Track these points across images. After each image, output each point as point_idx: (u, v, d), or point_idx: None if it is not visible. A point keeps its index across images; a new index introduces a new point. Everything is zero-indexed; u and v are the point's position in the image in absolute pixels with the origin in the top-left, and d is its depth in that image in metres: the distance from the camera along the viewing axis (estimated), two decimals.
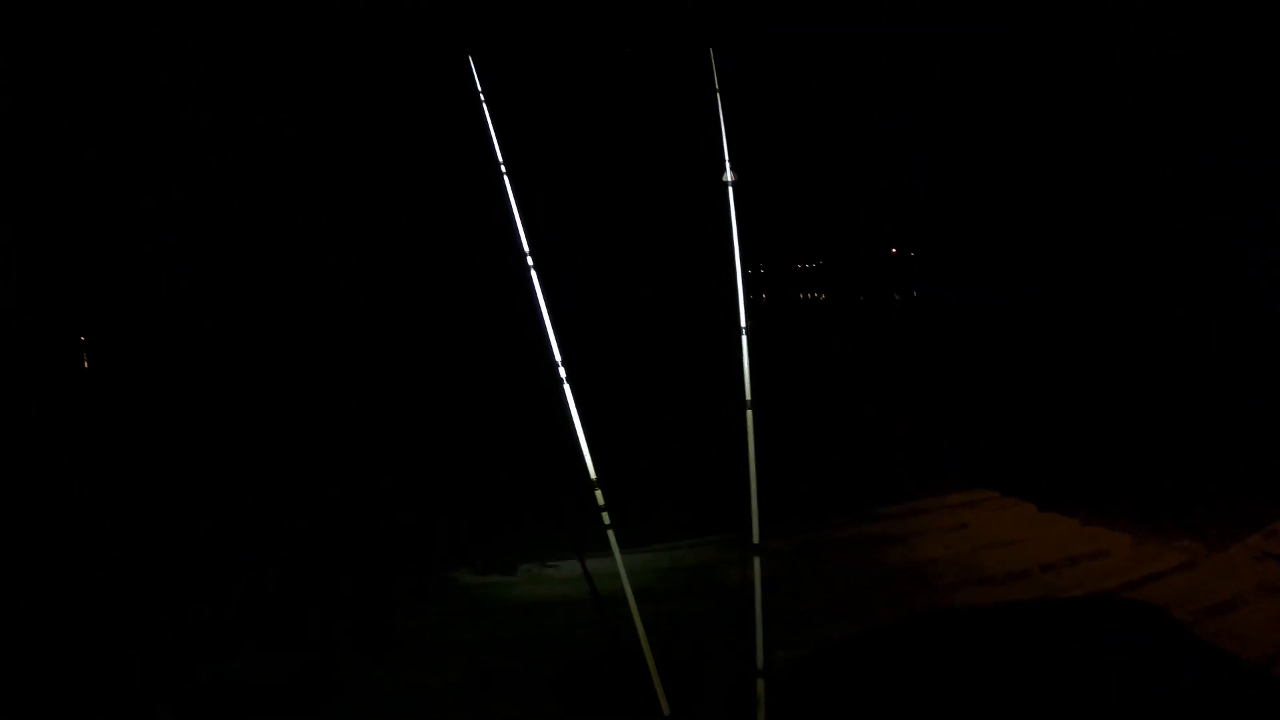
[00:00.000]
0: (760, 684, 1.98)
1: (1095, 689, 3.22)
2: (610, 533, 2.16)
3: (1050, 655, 3.28)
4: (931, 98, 7.31)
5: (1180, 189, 5.90)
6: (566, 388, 2.13)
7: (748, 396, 2.04)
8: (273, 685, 3.19)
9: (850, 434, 7.71)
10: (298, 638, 3.15)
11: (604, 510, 2.16)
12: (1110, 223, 6.38)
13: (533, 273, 2.27)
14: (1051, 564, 4.07)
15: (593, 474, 2.17)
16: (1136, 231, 6.20)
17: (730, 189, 1.99)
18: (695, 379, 7.26)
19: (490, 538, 4.80)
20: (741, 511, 1.95)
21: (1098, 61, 6.56)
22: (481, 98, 2.12)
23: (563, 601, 4.42)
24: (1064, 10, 6.89)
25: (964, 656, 3.39)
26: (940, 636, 3.57)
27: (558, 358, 2.12)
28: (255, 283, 5.88)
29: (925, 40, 7.21)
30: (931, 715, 3.01)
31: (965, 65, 6.97)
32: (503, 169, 2.14)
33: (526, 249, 2.21)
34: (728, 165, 1.96)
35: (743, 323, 2.08)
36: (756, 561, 1.98)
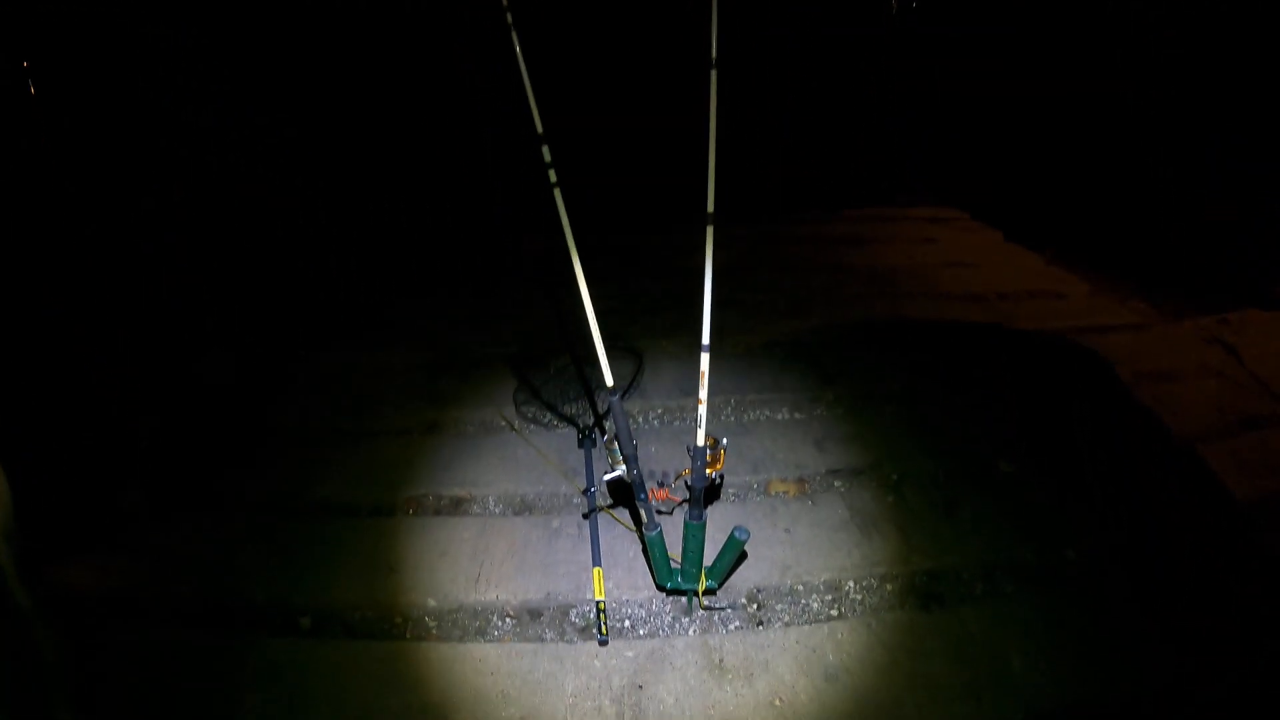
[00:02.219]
0: (705, 357, 1.95)
1: (1029, 416, 3.18)
2: (557, 192, 2.07)
3: (993, 375, 3.55)
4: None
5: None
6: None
7: (713, 54, 1.91)
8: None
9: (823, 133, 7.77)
10: None
11: (550, 167, 2.07)
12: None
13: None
14: (1008, 294, 4.15)
15: (539, 127, 2.07)
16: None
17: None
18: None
19: None
20: (700, 189, 1.92)
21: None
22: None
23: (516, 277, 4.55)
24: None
25: (910, 358, 3.44)
26: (890, 336, 3.61)
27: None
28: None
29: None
30: (864, 406, 3.26)
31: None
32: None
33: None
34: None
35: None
36: (710, 231, 1.92)
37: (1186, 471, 2.91)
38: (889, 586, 2.39)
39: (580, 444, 2.84)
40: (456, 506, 2.71)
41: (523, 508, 2.69)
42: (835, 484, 2.78)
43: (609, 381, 2.03)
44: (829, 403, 3.26)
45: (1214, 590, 2.37)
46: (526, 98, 2.05)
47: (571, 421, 3.06)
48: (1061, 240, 5.19)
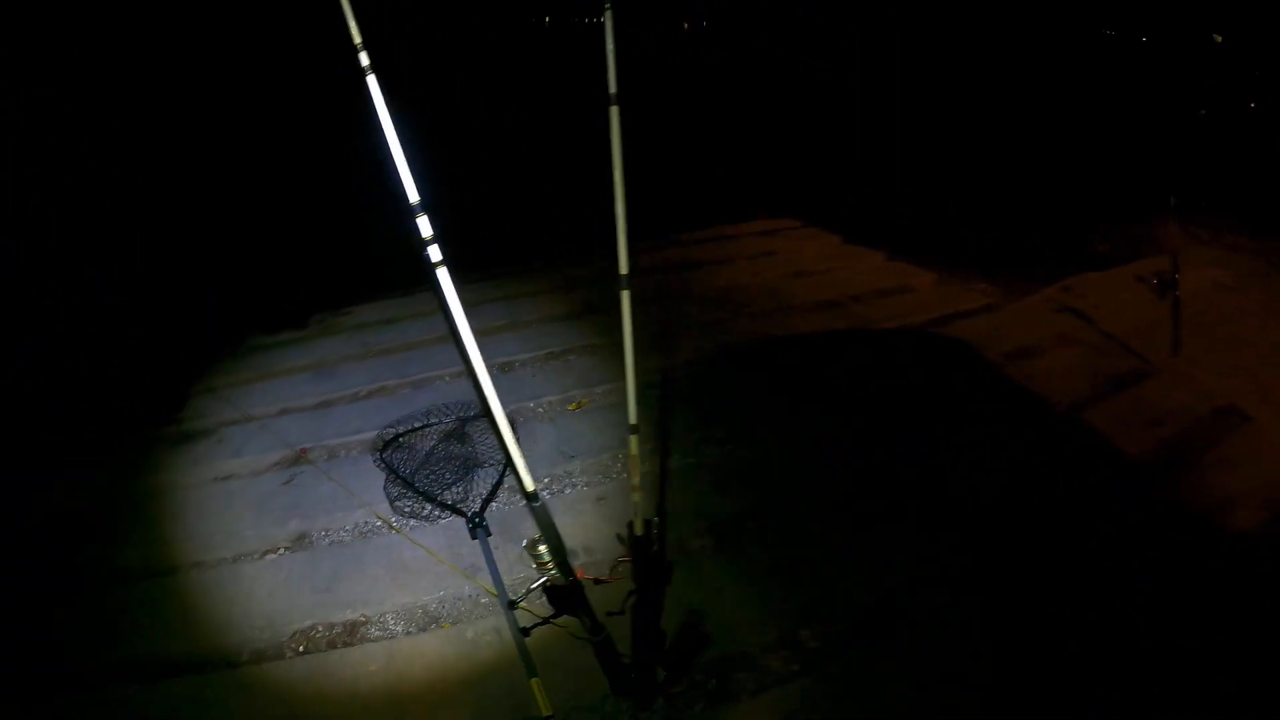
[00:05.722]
0: (634, 439, 1.87)
1: (916, 415, 3.17)
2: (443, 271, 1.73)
3: (874, 383, 3.47)
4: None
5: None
6: None
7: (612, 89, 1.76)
8: None
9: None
10: None
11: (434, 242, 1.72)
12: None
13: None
14: (860, 295, 4.25)
15: (414, 197, 1.76)
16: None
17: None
18: None
19: None
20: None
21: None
22: None
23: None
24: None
25: (787, 378, 3.55)
26: (759, 357, 3.73)
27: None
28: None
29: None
30: (752, 437, 3.12)
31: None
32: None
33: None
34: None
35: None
36: (625, 296, 1.81)
37: (1074, 441, 3.03)
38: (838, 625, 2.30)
39: (473, 534, 2.51)
40: (352, 633, 2.34)
41: (428, 621, 2.35)
42: (748, 526, 2.66)
43: (529, 486, 1.79)
44: (719, 440, 3.14)
45: (1129, 555, 2.46)
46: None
47: (456, 510, 2.75)
48: (897, 237, 5.40)
